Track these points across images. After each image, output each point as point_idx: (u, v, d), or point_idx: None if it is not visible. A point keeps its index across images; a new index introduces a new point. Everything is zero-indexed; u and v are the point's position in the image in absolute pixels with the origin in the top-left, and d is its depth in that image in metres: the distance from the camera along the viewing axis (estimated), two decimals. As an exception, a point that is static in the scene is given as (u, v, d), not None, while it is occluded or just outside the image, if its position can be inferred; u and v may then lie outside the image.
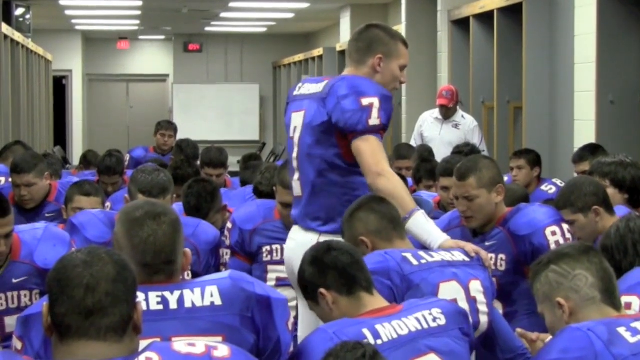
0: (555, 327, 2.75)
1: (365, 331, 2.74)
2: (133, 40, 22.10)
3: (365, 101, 3.61)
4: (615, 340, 2.54)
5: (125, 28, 20.10)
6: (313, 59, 17.50)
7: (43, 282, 3.49)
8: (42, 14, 16.28)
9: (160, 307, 2.55)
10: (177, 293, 2.58)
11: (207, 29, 20.26)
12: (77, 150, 20.01)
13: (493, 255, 3.90)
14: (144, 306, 2.48)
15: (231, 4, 15.61)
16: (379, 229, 3.33)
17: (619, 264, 3.13)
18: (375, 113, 3.60)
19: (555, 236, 3.93)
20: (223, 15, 17.37)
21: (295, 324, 3.80)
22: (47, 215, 5.48)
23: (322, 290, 2.89)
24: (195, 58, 21.92)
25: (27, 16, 14.17)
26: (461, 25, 10.12)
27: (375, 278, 3.01)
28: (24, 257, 3.54)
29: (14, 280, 3.52)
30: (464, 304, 3.18)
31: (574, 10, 7.84)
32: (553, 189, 6.18)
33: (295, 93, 3.87)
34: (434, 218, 4.64)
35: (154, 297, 2.56)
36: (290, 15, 17.56)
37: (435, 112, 8.77)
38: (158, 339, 2.46)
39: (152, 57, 22.70)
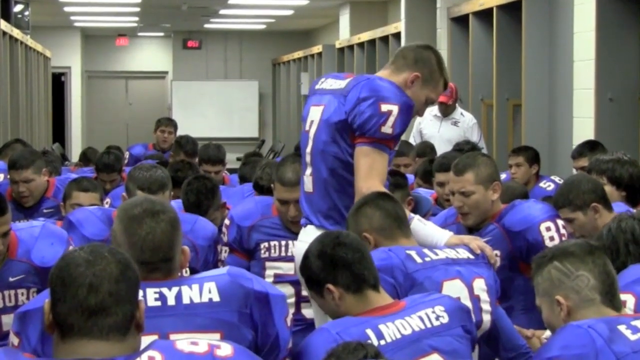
0: (551, 322, 2.76)
1: (369, 331, 2.73)
2: (132, 37, 22.09)
3: (384, 107, 3.53)
4: (616, 337, 2.54)
5: (124, 25, 20.10)
6: (312, 56, 17.49)
7: (40, 280, 3.48)
8: (40, 11, 16.27)
9: (158, 303, 2.55)
10: (175, 289, 2.58)
11: (207, 25, 20.25)
12: (75, 147, 20.01)
13: (489, 252, 3.90)
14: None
15: (230, 1, 15.60)
16: (383, 226, 3.31)
17: (612, 263, 3.13)
18: (391, 121, 3.52)
19: (550, 232, 3.93)
20: (222, 12, 17.36)
21: (295, 320, 3.79)
22: (45, 211, 5.47)
23: (330, 285, 2.87)
24: (195, 55, 21.91)
25: (26, 13, 14.15)
26: (460, 22, 10.11)
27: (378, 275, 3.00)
28: (21, 255, 3.53)
29: (11, 279, 3.51)
30: (467, 303, 3.16)
31: (574, 7, 7.83)
32: (552, 186, 6.18)
33: (317, 87, 3.79)
34: (433, 214, 4.65)
35: (151, 293, 2.56)
36: (289, 12, 17.56)
37: (435, 110, 8.75)
38: (156, 336, 2.46)
39: (151, 54, 22.69)
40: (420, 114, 3.76)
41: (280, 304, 2.68)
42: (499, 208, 4.04)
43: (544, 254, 2.82)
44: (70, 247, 3.50)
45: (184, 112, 20.58)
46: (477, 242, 3.41)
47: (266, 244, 4.52)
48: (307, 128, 3.74)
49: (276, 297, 2.68)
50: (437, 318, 2.86)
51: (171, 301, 2.56)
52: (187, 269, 3.88)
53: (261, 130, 21.64)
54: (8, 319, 3.43)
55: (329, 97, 3.69)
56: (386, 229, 3.31)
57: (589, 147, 5.94)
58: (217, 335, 2.54)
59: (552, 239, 3.90)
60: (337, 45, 15.84)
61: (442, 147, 7.91)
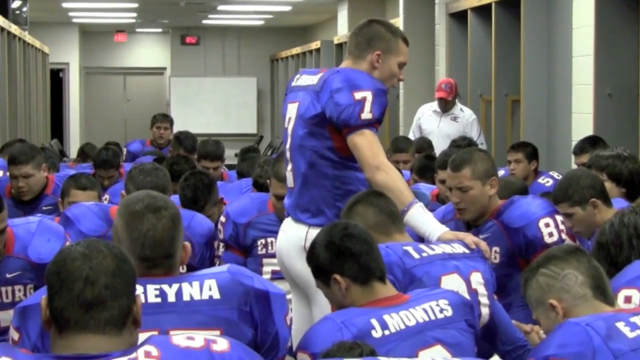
0: (550, 330, 2.74)
1: (374, 321, 2.75)
2: (130, 33, 22.07)
3: (358, 95, 3.58)
4: (614, 335, 2.52)
5: (123, 21, 20.09)
6: (310, 52, 17.48)
7: (37, 276, 3.48)
8: (38, 7, 16.26)
9: (159, 299, 2.55)
10: (175, 286, 2.58)
11: (205, 21, 20.24)
12: (74, 143, 19.99)
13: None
14: (142, 299, 2.47)
15: (228, -3, 15.60)
16: (378, 222, 3.33)
17: (615, 259, 3.12)
18: (367, 107, 3.58)
19: (549, 227, 3.93)
20: (220, 8, 17.35)
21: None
22: (44, 208, 5.46)
23: (337, 276, 2.88)
24: (193, 51, 21.90)
25: (24, 9, 14.14)
26: (459, 18, 10.10)
27: None
28: (18, 251, 3.52)
29: (8, 275, 3.51)
30: (465, 296, 3.17)
31: (572, 3, 7.83)
32: (550, 182, 6.18)
33: (292, 84, 3.85)
34: (431, 210, 4.65)
35: (152, 289, 2.56)
36: (287, 8, 17.55)
37: (434, 105, 8.75)
38: (156, 332, 2.46)
39: (149, 50, 22.68)
40: (401, 79, 3.81)
41: (280, 303, 2.69)
42: (496, 204, 4.04)
43: (529, 268, 2.83)
44: (67, 243, 3.49)
45: (182, 108, 20.58)
46: (471, 237, 3.43)
47: (263, 241, 4.52)
48: (285, 125, 3.80)
49: (276, 295, 2.69)
50: (441, 311, 2.88)
51: (171, 298, 2.56)
52: (184, 266, 3.87)
53: (259, 127, 21.64)
54: (6, 316, 3.43)
55: (302, 94, 3.73)
56: (381, 225, 3.33)
57: (591, 143, 5.94)
58: (217, 333, 2.54)
59: (551, 235, 3.89)
60: (336, 41, 15.83)
61: (441, 143, 7.91)
